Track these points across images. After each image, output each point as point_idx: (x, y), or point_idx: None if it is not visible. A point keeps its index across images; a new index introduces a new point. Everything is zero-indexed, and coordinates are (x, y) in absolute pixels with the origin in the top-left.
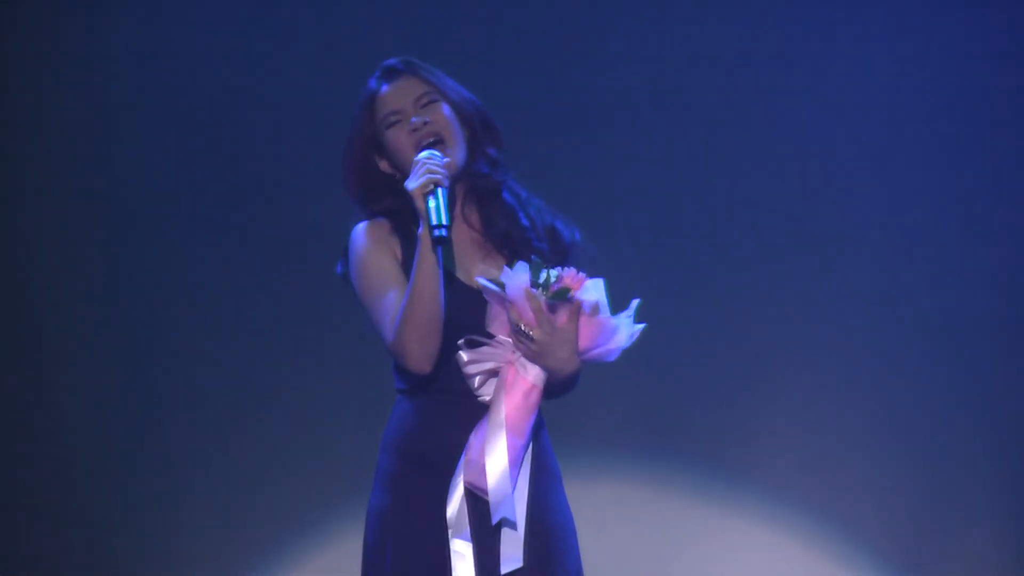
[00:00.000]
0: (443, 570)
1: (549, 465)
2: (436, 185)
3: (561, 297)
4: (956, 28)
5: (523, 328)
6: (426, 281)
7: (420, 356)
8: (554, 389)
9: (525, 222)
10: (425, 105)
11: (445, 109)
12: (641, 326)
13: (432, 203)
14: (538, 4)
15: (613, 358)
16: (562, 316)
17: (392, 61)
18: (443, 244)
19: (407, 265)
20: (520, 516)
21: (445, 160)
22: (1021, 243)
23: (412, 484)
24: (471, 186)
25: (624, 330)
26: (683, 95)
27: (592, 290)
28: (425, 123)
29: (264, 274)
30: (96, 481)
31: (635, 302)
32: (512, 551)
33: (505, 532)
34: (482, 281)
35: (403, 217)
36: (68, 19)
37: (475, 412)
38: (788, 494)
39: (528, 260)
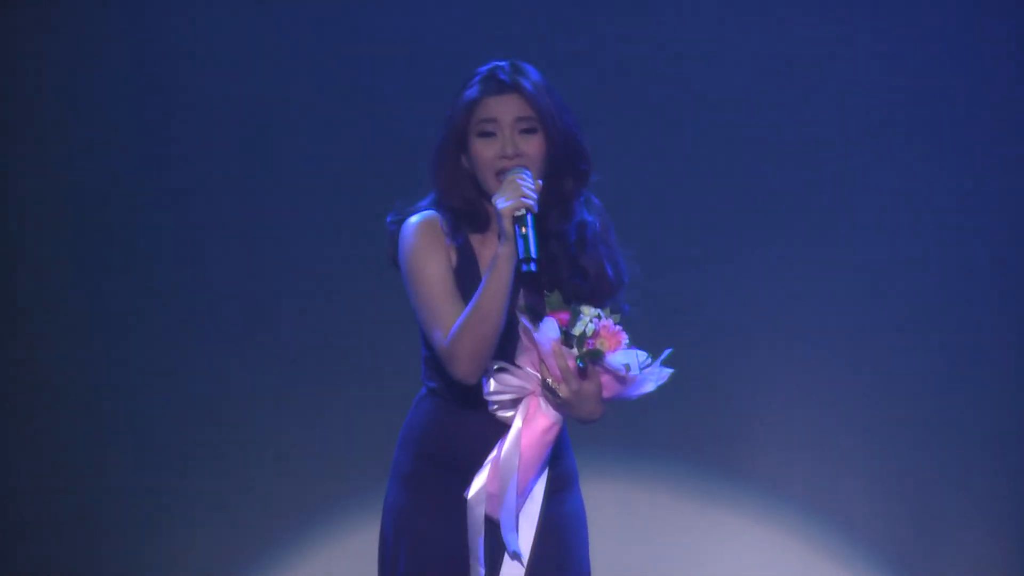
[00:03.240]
0: (459, 572)
1: (565, 468)
2: (527, 211)
3: (593, 359)
4: (958, 26)
5: (550, 383)
6: (494, 300)
7: (470, 370)
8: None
9: (572, 252)
10: (523, 131)
11: (541, 142)
12: (669, 371)
13: (523, 231)
14: (535, 4)
15: (635, 398)
16: (590, 379)
17: (502, 73)
18: (531, 277)
19: (459, 273)
20: (526, 541)
21: (537, 183)
22: (1021, 243)
23: (432, 484)
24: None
25: (652, 380)
26: (682, 94)
27: (623, 356)
28: (517, 155)
29: (268, 269)
30: (95, 479)
31: (667, 352)
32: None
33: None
34: (522, 319)
35: (466, 217)
36: (70, 16)
37: (502, 420)
38: (788, 493)
39: (564, 295)
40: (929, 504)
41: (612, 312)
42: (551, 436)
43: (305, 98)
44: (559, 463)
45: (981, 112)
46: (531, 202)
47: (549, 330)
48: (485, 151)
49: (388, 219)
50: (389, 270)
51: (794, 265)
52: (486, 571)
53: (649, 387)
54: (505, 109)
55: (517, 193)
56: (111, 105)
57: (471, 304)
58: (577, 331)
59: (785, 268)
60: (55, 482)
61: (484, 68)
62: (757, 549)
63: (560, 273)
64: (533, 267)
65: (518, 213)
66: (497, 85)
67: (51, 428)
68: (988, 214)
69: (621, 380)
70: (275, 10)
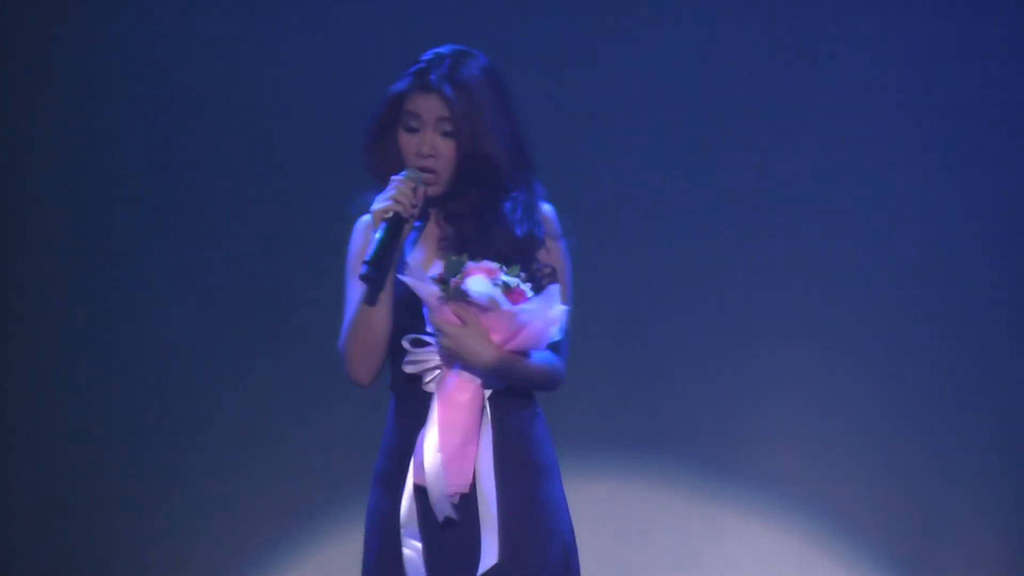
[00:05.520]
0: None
1: (535, 457)
2: (396, 214)
3: (457, 296)
4: (959, 24)
5: (436, 327)
6: (375, 309)
7: (359, 371)
8: (515, 382)
9: (485, 223)
10: (443, 133)
11: (456, 148)
12: (564, 308)
13: (378, 235)
14: (533, 4)
15: (544, 345)
16: (453, 312)
17: (434, 72)
18: (368, 283)
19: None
20: (491, 513)
21: (421, 188)
22: (1022, 241)
23: (396, 482)
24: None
25: (539, 316)
26: (681, 93)
27: (476, 284)
28: (431, 155)
29: (260, 272)
30: (89, 481)
31: (552, 287)
32: (489, 548)
33: (484, 531)
34: (403, 276)
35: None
36: (66, 15)
37: None
38: (786, 493)
39: (460, 256)
40: (931, 503)
41: (521, 275)
42: (468, 395)
43: (298, 102)
44: (533, 453)
45: (985, 110)
46: (400, 207)
47: (415, 272)
48: (407, 144)
49: (352, 210)
50: None
51: (795, 261)
52: (426, 545)
53: (538, 324)
54: (427, 109)
55: (393, 195)
56: (107, 105)
57: (355, 308)
58: (448, 274)
59: (786, 264)
60: (49, 485)
61: (425, 57)
62: (756, 548)
63: (467, 235)
64: (372, 274)
65: (385, 216)
66: (424, 84)
67: (45, 431)
68: (991, 212)
69: (501, 318)
70: (278, 11)
